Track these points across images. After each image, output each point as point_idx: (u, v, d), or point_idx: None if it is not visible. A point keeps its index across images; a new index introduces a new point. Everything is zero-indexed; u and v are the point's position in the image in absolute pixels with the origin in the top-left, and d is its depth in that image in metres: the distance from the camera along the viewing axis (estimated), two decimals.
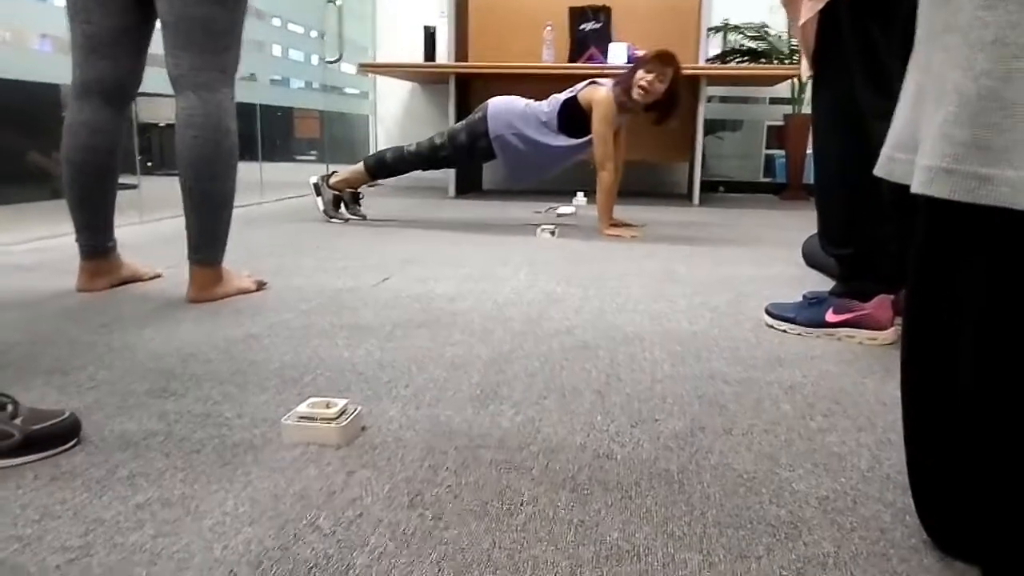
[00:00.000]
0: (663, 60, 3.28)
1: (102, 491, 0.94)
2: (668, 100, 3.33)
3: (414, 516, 0.89)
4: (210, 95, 1.86)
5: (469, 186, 5.52)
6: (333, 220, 3.65)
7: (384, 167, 3.59)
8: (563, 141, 3.40)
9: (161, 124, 6.09)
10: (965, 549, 0.81)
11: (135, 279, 2.16)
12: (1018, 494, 0.72)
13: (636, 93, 3.26)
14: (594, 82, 3.38)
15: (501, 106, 3.44)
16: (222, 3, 1.82)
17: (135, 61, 1.99)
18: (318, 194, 3.67)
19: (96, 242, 2.05)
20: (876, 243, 1.68)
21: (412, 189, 5.55)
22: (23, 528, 0.85)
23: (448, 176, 5.05)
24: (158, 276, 2.23)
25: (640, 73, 3.26)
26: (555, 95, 3.46)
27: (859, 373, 1.48)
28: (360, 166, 3.62)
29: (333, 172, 3.70)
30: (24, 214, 3.84)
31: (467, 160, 3.61)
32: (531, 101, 3.47)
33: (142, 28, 1.95)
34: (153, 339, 1.60)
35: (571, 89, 3.41)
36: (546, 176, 3.60)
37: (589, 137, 3.35)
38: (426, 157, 3.53)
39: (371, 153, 3.67)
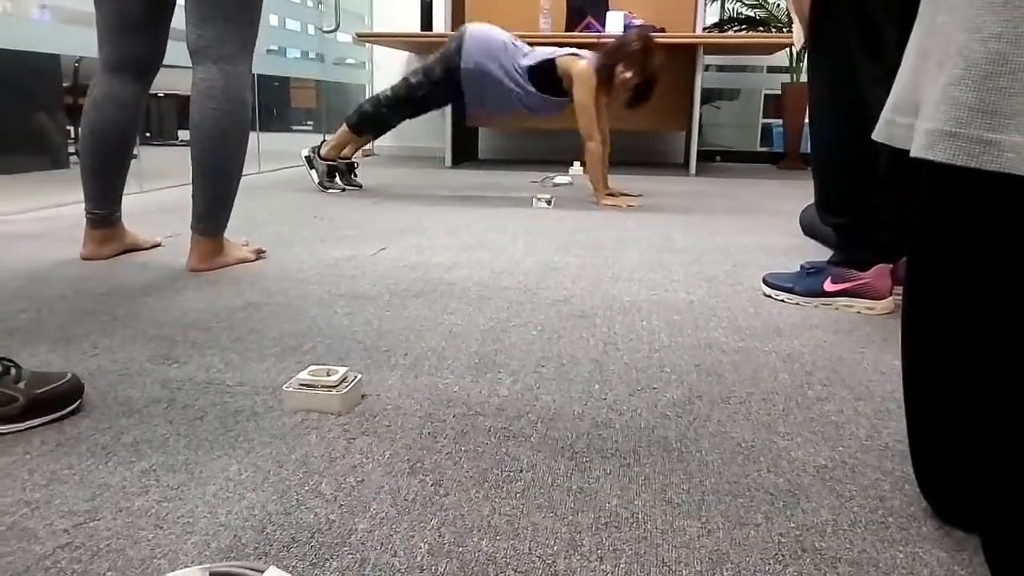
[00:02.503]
0: (646, 55, 3.24)
1: (107, 457, 0.95)
2: (645, 88, 3.32)
3: (414, 483, 0.90)
4: (231, 68, 1.86)
5: (465, 155, 5.49)
6: (330, 190, 3.64)
7: (367, 120, 3.50)
8: (527, 97, 3.35)
9: (160, 94, 6.05)
10: (964, 517, 0.82)
11: (136, 248, 2.16)
12: (1017, 463, 0.73)
13: (618, 81, 3.26)
14: (575, 53, 3.34)
15: (479, 35, 3.32)
16: None
17: (163, 37, 2.01)
18: (311, 167, 3.65)
19: (105, 212, 2.06)
20: (874, 212, 1.68)
21: (408, 159, 5.52)
22: (31, 492, 0.86)
23: (444, 146, 5.03)
24: (158, 245, 2.23)
25: (620, 67, 3.24)
26: (539, 48, 3.40)
27: (857, 342, 1.49)
28: (343, 128, 3.56)
29: (322, 142, 3.67)
30: (26, 183, 3.82)
31: (447, 96, 3.47)
32: (514, 38, 3.38)
33: (169, 5, 1.96)
34: (154, 307, 1.61)
35: (551, 51, 3.36)
36: (510, 114, 3.50)
37: (563, 100, 3.33)
38: (404, 98, 3.42)
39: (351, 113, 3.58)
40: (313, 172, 3.64)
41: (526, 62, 3.34)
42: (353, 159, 3.71)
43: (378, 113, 3.49)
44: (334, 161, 3.61)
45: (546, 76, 3.32)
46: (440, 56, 3.39)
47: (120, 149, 2.02)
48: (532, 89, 3.34)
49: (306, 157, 3.65)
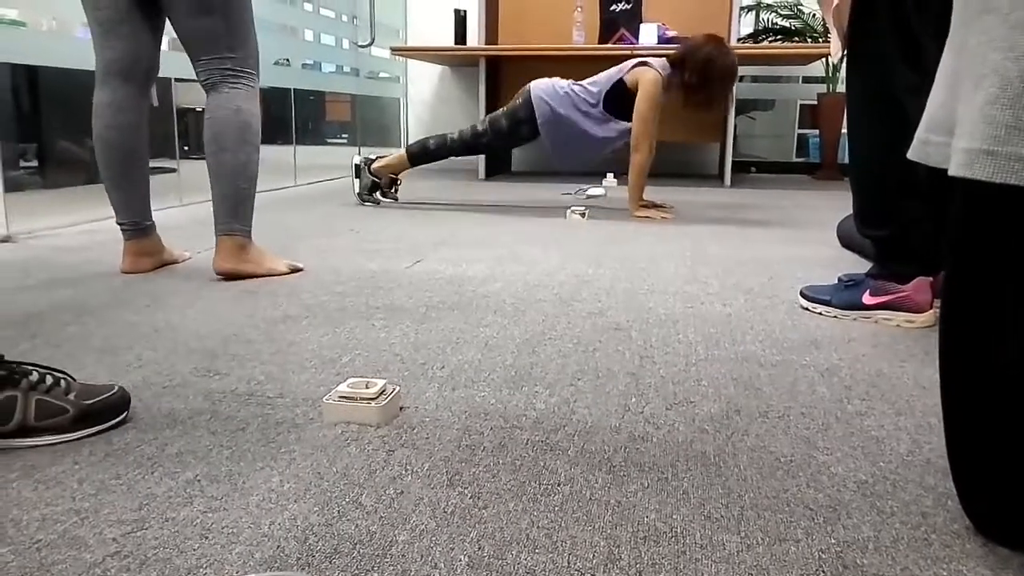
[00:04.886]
0: (711, 59, 3.24)
1: (153, 467, 0.97)
2: (714, 89, 3.32)
3: (453, 495, 0.91)
4: (220, 94, 1.97)
5: (499, 168, 5.52)
6: (366, 203, 3.68)
7: (426, 154, 3.58)
8: (608, 131, 3.38)
9: (198, 109, 6.17)
10: (1009, 535, 0.81)
11: (173, 261, 2.21)
12: None
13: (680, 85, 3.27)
14: (644, 62, 3.34)
15: (543, 90, 3.40)
16: (211, 14, 1.91)
17: (149, 40, 2.04)
18: (357, 176, 3.70)
19: (135, 221, 2.10)
20: (914, 224, 1.66)
21: (442, 171, 5.55)
22: (81, 502, 0.88)
23: (478, 158, 5.06)
24: (187, 259, 2.27)
25: (688, 74, 3.24)
26: (602, 74, 3.42)
27: (897, 356, 1.47)
28: (402, 152, 3.63)
29: (377, 157, 3.72)
30: (71, 197, 3.91)
31: (507, 144, 3.57)
32: (572, 84, 3.43)
33: (148, 7, 2.00)
34: (195, 320, 1.64)
35: (619, 68, 3.37)
36: (591, 161, 3.58)
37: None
38: (469, 144, 3.53)
39: (414, 141, 3.66)
40: (357, 182, 3.69)
41: (597, 89, 3.38)
42: (398, 176, 3.76)
43: (438, 152, 3.58)
44: (379, 178, 3.67)
45: (620, 99, 3.34)
46: (506, 110, 3.48)
47: (127, 155, 2.06)
48: (609, 124, 3.36)
49: (356, 166, 3.70)
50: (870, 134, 1.68)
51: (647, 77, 3.25)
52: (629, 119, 3.32)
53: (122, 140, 2.04)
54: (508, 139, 3.51)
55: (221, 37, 1.94)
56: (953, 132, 0.79)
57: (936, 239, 1.65)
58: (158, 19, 2.04)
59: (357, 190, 3.69)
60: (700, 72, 3.23)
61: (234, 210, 1.99)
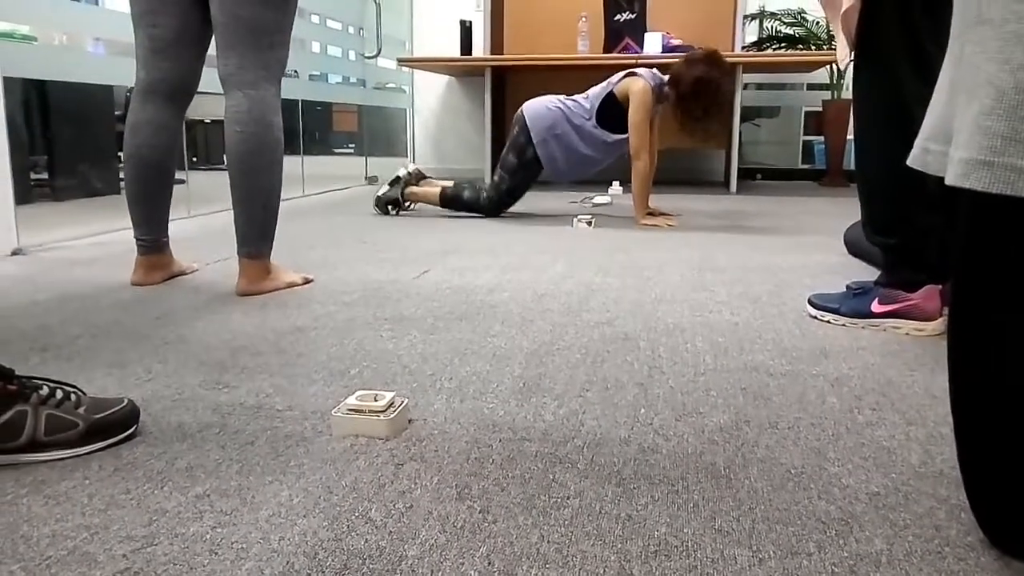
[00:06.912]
0: (704, 69, 3.25)
1: (163, 482, 0.97)
2: (705, 104, 3.32)
3: (463, 509, 0.91)
4: (254, 92, 1.91)
5: None
6: (376, 211, 3.69)
7: (456, 202, 3.59)
8: (601, 145, 3.39)
9: (207, 121, 6.20)
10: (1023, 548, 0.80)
11: (182, 273, 2.21)
12: None
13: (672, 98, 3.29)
14: (632, 72, 3.36)
15: (535, 110, 3.42)
16: (266, 4, 1.87)
17: (195, 61, 2.05)
18: (391, 184, 3.70)
19: (153, 237, 2.11)
20: (922, 232, 1.65)
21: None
22: (91, 517, 0.88)
23: (484, 167, 5.06)
24: (195, 271, 2.28)
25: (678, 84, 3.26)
26: (593, 88, 3.44)
27: (907, 365, 1.47)
28: (437, 190, 3.63)
29: (424, 177, 3.75)
30: (83, 209, 3.93)
31: (525, 177, 3.52)
32: (562, 99, 3.44)
33: (202, 29, 2.00)
34: (205, 332, 1.64)
35: (607, 82, 3.39)
36: (589, 175, 3.59)
37: (627, 136, 3.35)
38: (498, 201, 3.54)
39: (454, 184, 3.62)
40: (386, 187, 3.70)
41: (589, 104, 3.40)
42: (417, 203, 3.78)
43: (469, 205, 3.58)
44: (404, 200, 3.68)
45: (611, 111, 3.35)
46: (509, 145, 3.49)
47: (159, 173, 2.06)
48: (602, 137, 3.37)
49: (398, 176, 3.71)
50: (879, 142, 1.68)
51: (636, 87, 3.27)
52: (622, 131, 3.34)
53: (156, 158, 2.04)
54: (524, 172, 3.49)
55: (264, 34, 1.89)
56: (951, 141, 0.79)
57: (945, 246, 1.64)
58: (208, 37, 2.03)
59: (380, 193, 3.69)
60: (692, 90, 3.24)
61: (263, 234, 1.98)
